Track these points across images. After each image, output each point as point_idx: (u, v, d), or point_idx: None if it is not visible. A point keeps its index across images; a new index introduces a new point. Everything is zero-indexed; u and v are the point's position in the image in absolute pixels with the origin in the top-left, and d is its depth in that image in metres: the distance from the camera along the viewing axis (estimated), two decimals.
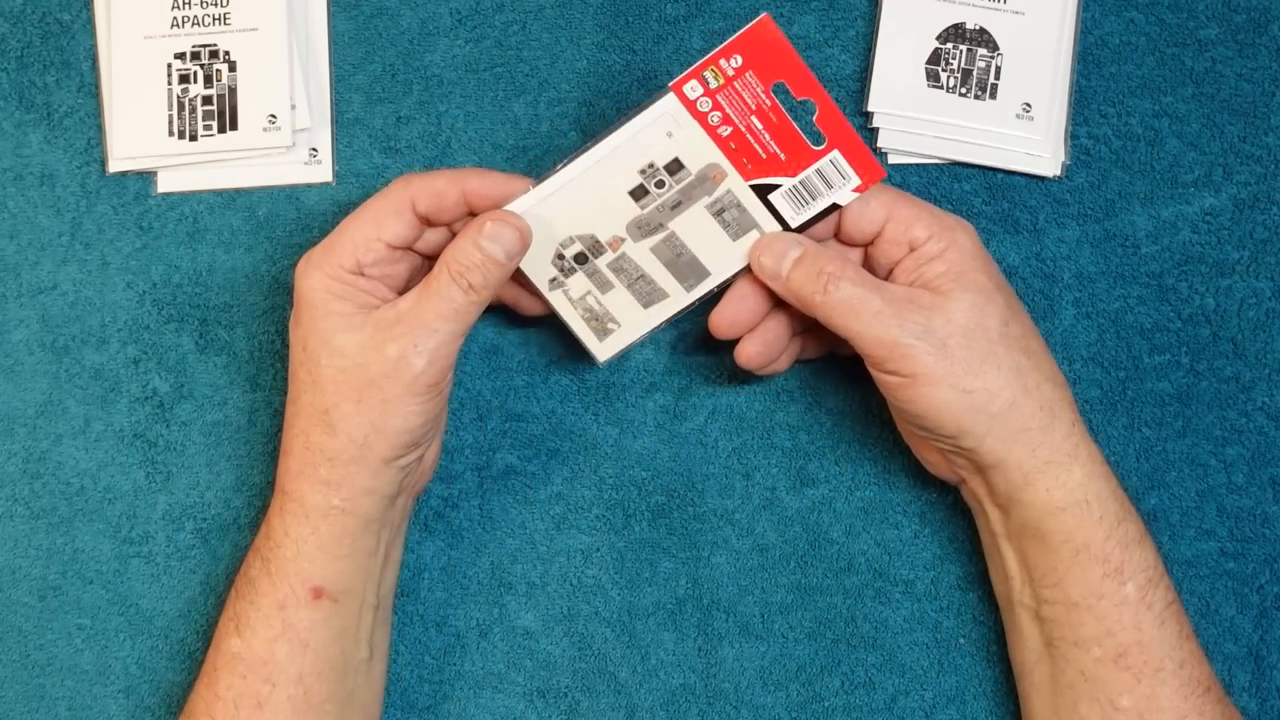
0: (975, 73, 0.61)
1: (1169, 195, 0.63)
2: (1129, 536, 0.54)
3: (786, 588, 0.62)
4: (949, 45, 0.62)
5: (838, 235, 0.56)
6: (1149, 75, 0.63)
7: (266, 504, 0.61)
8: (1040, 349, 0.55)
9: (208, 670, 0.55)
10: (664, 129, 0.55)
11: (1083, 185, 0.63)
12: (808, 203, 0.56)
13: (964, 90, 0.61)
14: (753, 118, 0.55)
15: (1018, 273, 0.62)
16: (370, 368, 0.52)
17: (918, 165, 0.62)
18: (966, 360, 0.52)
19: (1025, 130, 0.62)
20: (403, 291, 0.55)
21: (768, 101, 0.54)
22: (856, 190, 0.55)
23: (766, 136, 0.55)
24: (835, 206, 0.55)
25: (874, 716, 0.61)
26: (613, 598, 0.62)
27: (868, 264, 0.56)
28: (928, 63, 0.62)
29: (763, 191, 0.56)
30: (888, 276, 0.55)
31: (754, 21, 0.54)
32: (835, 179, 0.55)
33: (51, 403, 0.62)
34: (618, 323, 0.58)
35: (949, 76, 0.61)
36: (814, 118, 0.55)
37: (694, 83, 0.54)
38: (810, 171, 0.55)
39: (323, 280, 0.53)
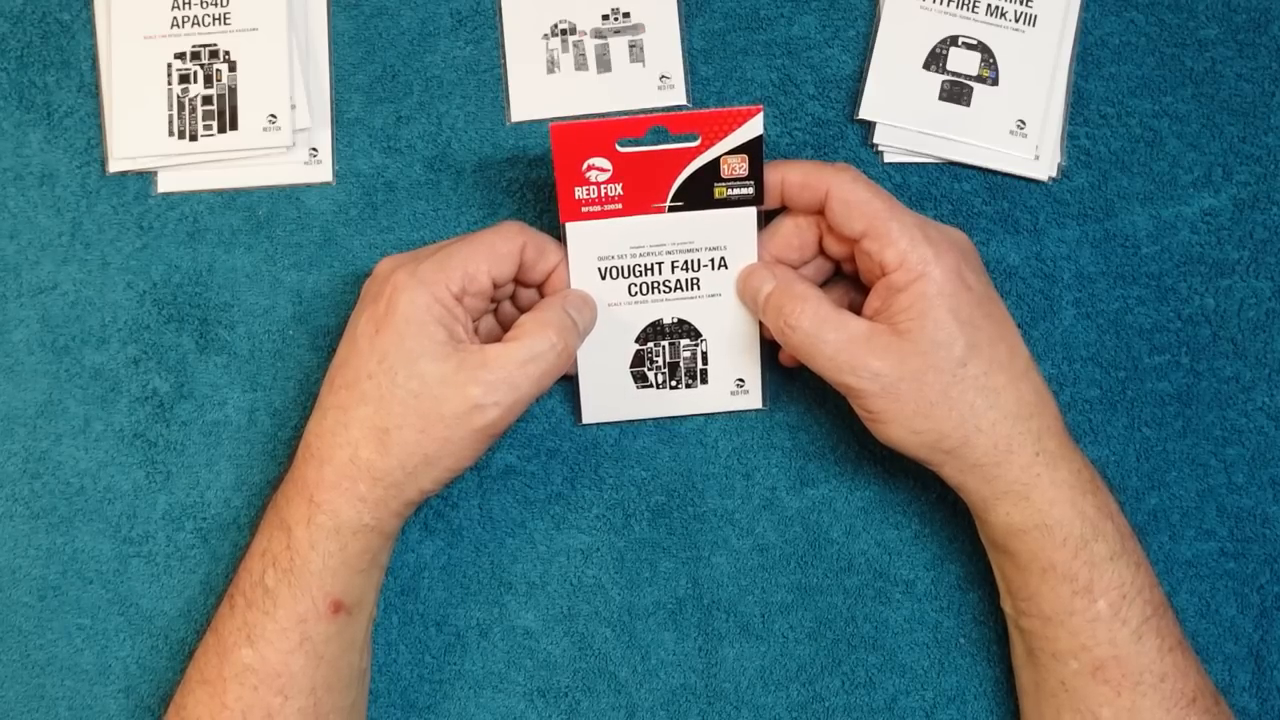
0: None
1: (1169, 195, 0.63)
2: (1098, 555, 0.53)
3: (786, 588, 0.62)
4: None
5: (830, 231, 0.56)
6: (1149, 75, 0.63)
7: (267, 502, 0.61)
8: (1004, 384, 0.53)
9: (212, 679, 0.54)
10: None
11: (1082, 186, 0.63)
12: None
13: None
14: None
15: (1018, 273, 0.62)
16: (445, 403, 0.52)
17: (917, 165, 0.62)
18: (916, 404, 0.53)
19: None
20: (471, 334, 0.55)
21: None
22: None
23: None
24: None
25: (874, 716, 0.61)
26: (613, 598, 0.62)
27: (859, 264, 0.56)
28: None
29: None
30: (867, 290, 0.55)
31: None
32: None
33: (51, 403, 0.61)
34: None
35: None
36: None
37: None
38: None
39: (426, 298, 0.53)
